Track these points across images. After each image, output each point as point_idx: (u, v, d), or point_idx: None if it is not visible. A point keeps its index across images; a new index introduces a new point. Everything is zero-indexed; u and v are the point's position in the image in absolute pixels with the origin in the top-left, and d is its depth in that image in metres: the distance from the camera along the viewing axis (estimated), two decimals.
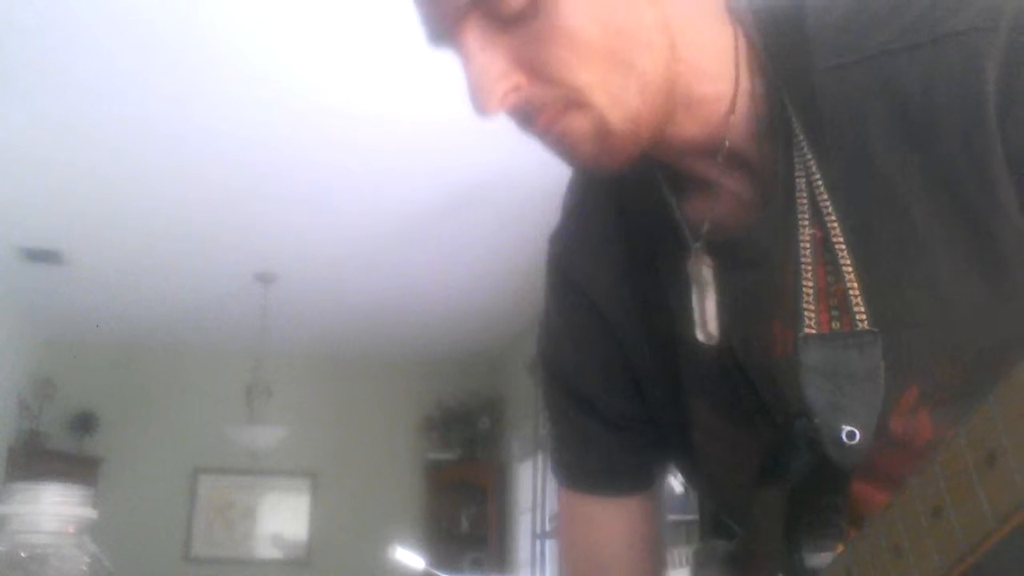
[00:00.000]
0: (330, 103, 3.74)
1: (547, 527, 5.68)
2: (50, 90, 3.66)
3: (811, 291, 0.66)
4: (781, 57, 0.69)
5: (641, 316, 0.79)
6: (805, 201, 0.67)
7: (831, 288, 0.67)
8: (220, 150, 4.16)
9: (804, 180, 0.67)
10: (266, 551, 7.19)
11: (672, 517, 4.28)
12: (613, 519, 0.88)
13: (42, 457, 6.28)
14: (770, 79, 0.69)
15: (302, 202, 4.68)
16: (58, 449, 6.51)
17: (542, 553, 5.87)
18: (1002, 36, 0.62)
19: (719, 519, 0.81)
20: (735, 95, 0.68)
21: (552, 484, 5.69)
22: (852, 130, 0.66)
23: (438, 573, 5.15)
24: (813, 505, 0.64)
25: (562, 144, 0.66)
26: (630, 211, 0.79)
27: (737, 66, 0.69)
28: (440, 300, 6.08)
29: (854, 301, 0.65)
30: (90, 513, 0.70)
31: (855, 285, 0.65)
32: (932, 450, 0.45)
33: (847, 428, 0.62)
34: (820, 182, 0.67)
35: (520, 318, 5.98)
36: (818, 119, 0.67)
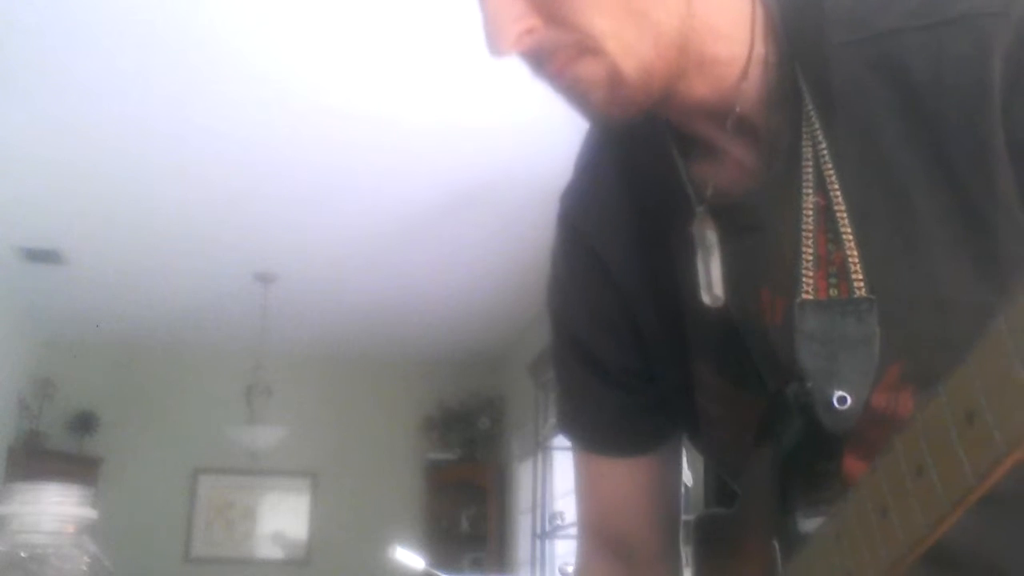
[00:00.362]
0: (330, 103, 3.74)
1: (547, 527, 5.68)
2: (50, 90, 3.66)
3: (811, 258, 0.67)
4: (796, 27, 0.69)
5: (648, 275, 0.80)
6: (810, 169, 0.68)
7: (831, 256, 0.67)
8: (220, 150, 4.16)
9: (810, 149, 0.68)
10: (266, 551, 7.19)
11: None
12: (622, 478, 0.89)
13: (42, 457, 6.27)
14: (783, 48, 0.69)
15: (302, 202, 4.68)
16: (58, 449, 6.50)
17: (542, 553, 5.87)
18: (1013, 22, 0.62)
19: (723, 485, 0.81)
20: (748, 60, 0.69)
21: (552, 485, 5.70)
22: (860, 106, 0.67)
23: (438, 573, 5.15)
24: (807, 470, 0.65)
25: (574, 90, 0.66)
26: (640, 171, 0.79)
27: (752, 31, 0.69)
28: (440, 300, 6.08)
29: (853, 269, 0.66)
30: (90, 513, 0.70)
31: (855, 253, 0.66)
32: (915, 411, 0.46)
33: (839, 393, 0.63)
34: (826, 152, 0.67)
35: (520, 318, 5.97)
36: (828, 91, 0.67)
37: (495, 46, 0.63)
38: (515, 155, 4.00)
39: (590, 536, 0.94)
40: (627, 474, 0.88)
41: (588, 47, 0.63)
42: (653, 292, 0.79)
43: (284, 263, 5.47)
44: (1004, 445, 0.40)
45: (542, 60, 0.65)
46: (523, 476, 6.55)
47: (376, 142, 4.05)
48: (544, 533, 5.75)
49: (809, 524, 0.63)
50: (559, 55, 0.64)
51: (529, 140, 3.80)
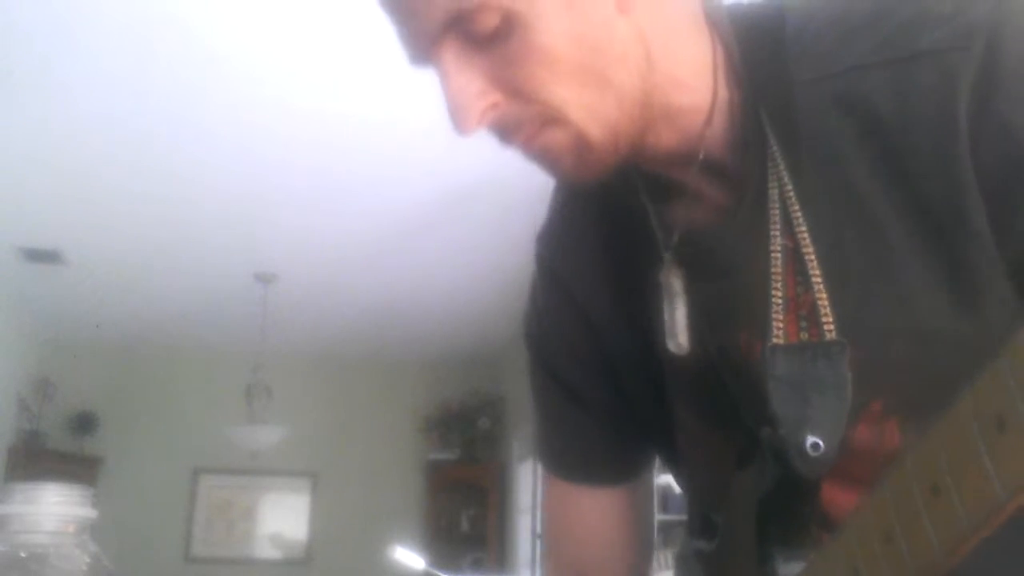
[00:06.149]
0: (330, 104, 3.74)
1: None
2: (50, 91, 3.66)
3: (780, 301, 0.67)
4: (758, 69, 0.69)
5: (624, 318, 0.80)
6: (777, 211, 0.67)
7: (800, 298, 0.67)
8: (220, 151, 4.16)
9: (777, 191, 0.67)
10: (266, 551, 7.19)
11: (672, 517, 4.28)
12: (594, 508, 0.89)
13: (42, 457, 6.28)
14: (746, 90, 0.69)
15: (302, 202, 4.68)
16: (58, 449, 6.51)
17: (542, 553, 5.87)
18: (976, 57, 0.62)
19: (705, 517, 0.81)
20: (712, 106, 0.69)
21: None
22: (826, 144, 0.66)
23: (438, 573, 5.15)
24: (783, 514, 0.65)
25: (542, 159, 0.67)
26: (612, 216, 0.79)
27: (715, 77, 0.69)
28: (440, 300, 6.08)
29: (822, 311, 0.65)
30: (90, 513, 0.70)
31: (823, 296, 0.65)
32: (882, 477, 0.44)
33: (811, 439, 0.62)
34: (792, 193, 0.67)
35: (520, 318, 5.96)
36: (793, 132, 0.67)
37: (460, 125, 0.64)
38: (514, 156, 4.00)
39: (556, 564, 0.94)
40: (598, 505, 0.88)
41: (552, 117, 0.63)
42: (630, 336, 0.79)
43: (284, 263, 5.47)
44: (967, 521, 0.39)
45: (508, 133, 0.65)
46: (523, 476, 6.56)
47: (376, 142, 4.05)
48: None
49: (788, 568, 0.62)
50: (524, 127, 0.64)
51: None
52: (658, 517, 4.23)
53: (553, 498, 0.93)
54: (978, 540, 0.41)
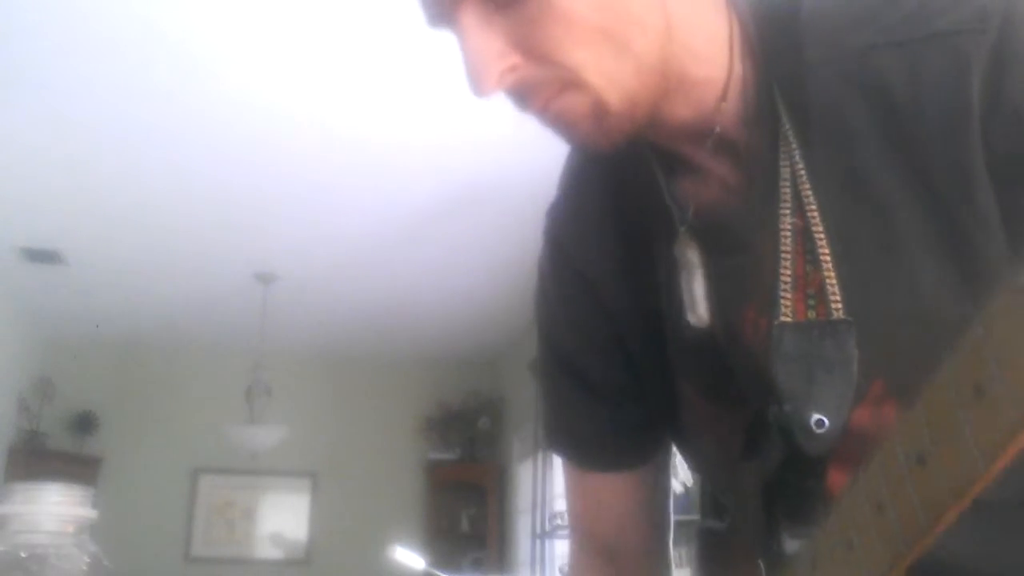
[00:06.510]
0: (330, 102, 3.74)
1: (547, 527, 5.68)
2: (50, 90, 3.66)
3: (789, 279, 0.67)
4: (773, 47, 0.69)
5: (632, 294, 0.80)
6: (788, 190, 0.67)
7: (809, 277, 0.67)
8: (220, 150, 4.15)
9: (788, 169, 0.68)
10: (266, 551, 7.19)
11: (675, 517, 4.28)
12: (609, 490, 0.89)
13: (42, 457, 6.27)
14: (761, 68, 0.69)
15: (302, 202, 4.67)
16: (58, 449, 6.50)
17: (542, 553, 5.87)
18: (990, 39, 0.62)
19: (715, 497, 0.82)
20: (728, 81, 0.69)
21: (552, 485, 5.70)
22: (838, 124, 0.66)
23: (438, 573, 5.15)
24: (790, 490, 0.65)
25: (559, 123, 0.66)
26: (623, 190, 0.79)
27: (731, 52, 0.69)
28: (440, 300, 6.08)
29: (830, 290, 0.65)
30: (90, 513, 0.70)
31: (832, 275, 0.66)
32: (873, 449, 0.44)
33: (816, 416, 0.63)
34: (803, 172, 0.67)
35: (520, 318, 5.97)
36: (805, 110, 0.67)
37: (478, 86, 0.63)
38: (515, 156, 4.00)
39: (580, 538, 0.96)
40: (615, 487, 0.89)
41: (570, 81, 0.63)
42: (638, 310, 0.79)
43: (284, 263, 5.47)
44: (949, 493, 0.39)
45: (526, 96, 0.65)
46: (523, 476, 6.55)
47: (376, 141, 4.05)
48: (544, 533, 5.75)
49: (794, 545, 0.63)
50: (542, 91, 0.64)
51: (528, 141, 3.79)
52: None
53: (569, 481, 0.93)
54: (958, 511, 0.41)
